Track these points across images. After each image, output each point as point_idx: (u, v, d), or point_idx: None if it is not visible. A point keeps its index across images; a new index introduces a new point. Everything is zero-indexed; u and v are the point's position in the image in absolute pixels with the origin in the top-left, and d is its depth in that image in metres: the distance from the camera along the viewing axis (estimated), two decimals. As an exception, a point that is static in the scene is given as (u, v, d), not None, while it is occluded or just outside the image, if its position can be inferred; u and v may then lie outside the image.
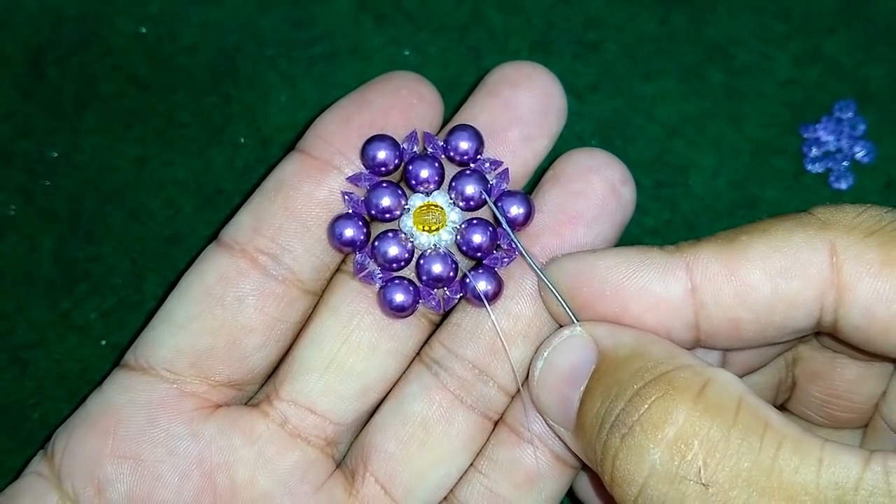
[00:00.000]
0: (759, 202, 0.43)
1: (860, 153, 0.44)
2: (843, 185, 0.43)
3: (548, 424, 0.32)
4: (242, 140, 0.43)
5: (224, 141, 0.43)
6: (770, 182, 0.43)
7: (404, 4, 0.45)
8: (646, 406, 0.27)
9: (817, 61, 0.45)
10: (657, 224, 0.43)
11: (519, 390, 0.33)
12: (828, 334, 0.30)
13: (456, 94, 0.43)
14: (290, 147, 0.34)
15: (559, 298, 0.31)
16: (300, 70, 0.44)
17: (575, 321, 0.31)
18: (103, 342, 0.41)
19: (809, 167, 0.44)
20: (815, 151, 0.44)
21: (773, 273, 0.28)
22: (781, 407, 0.37)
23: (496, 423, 0.34)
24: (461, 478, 0.34)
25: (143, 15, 0.44)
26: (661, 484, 0.26)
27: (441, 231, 0.33)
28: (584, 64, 0.45)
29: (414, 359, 0.34)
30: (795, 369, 0.35)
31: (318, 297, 0.34)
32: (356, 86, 0.44)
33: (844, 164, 0.44)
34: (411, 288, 0.33)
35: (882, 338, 0.28)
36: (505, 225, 0.32)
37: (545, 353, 0.31)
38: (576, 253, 0.32)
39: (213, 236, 0.34)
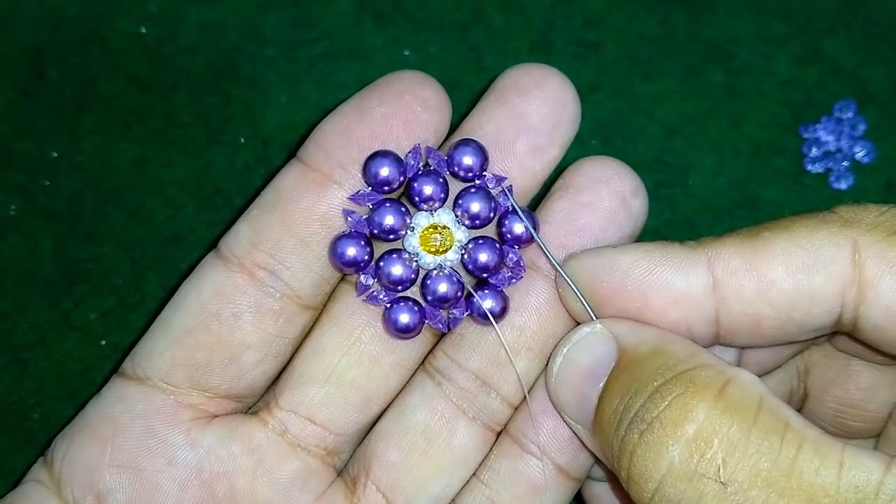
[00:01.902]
0: (759, 202, 0.43)
1: (860, 153, 0.44)
2: (843, 185, 0.43)
3: (565, 422, 0.31)
4: (242, 140, 0.43)
5: (224, 141, 0.43)
6: (770, 182, 0.43)
7: (404, 4, 0.45)
8: (666, 403, 0.26)
9: (817, 61, 0.45)
10: (657, 224, 0.43)
11: (524, 401, 0.33)
12: (846, 334, 0.30)
13: (456, 94, 0.43)
14: (290, 147, 0.33)
15: (578, 295, 0.31)
16: (300, 70, 0.44)
17: (594, 318, 0.30)
18: (103, 342, 0.41)
19: (809, 167, 0.44)
20: (815, 151, 0.44)
21: (795, 269, 0.28)
22: None
23: (499, 434, 0.34)
24: (463, 488, 0.33)
25: (143, 15, 0.44)
26: (679, 482, 0.26)
27: (447, 251, 0.32)
28: (584, 64, 0.45)
29: (417, 368, 0.34)
30: (807, 380, 0.35)
31: (319, 311, 0.33)
32: (356, 86, 0.43)
33: (844, 164, 0.44)
34: (416, 308, 0.32)
35: None
36: (530, 229, 0.32)
37: (564, 350, 0.31)
38: (595, 248, 0.31)
39: (214, 237, 0.34)
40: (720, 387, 0.26)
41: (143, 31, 0.44)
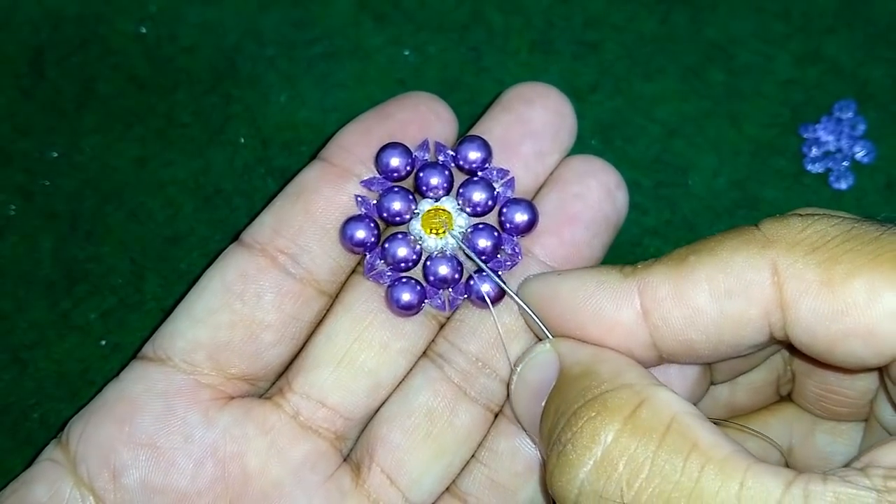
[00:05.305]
0: (759, 202, 0.43)
1: (860, 153, 0.44)
2: (843, 185, 0.43)
3: (528, 436, 0.33)
4: (242, 140, 0.43)
5: (224, 141, 0.43)
6: (770, 182, 0.43)
7: (404, 4, 0.45)
8: (578, 426, 0.27)
9: (817, 61, 0.45)
10: (657, 224, 0.43)
11: None
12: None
13: (456, 94, 0.43)
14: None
15: (532, 314, 0.32)
16: (300, 70, 0.44)
17: (548, 336, 0.32)
18: (103, 342, 0.41)
19: (809, 167, 0.44)
20: (815, 151, 0.44)
21: (718, 295, 0.28)
22: (787, 398, 0.37)
23: (496, 415, 0.35)
24: (463, 468, 0.35)
25: (143, 15, 0.44)
26: (589, 503, 0.26)
27: (448, 234, 0.34)
28: (584, 64, 0.45)
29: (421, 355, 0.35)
30: (792, 363, 0.36)
31: (333, 298, 0.35)
32: (356, 86, 0.44)
33: (844, 164, 0.44)
34: (418, 287, 0.34)
35: (828, 353, 0.28)
36: (473, 256, 0.33)
37: (518, 368, 0.32)
38: (543, 274, 0.32)
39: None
40: (632, 409, 0.27)
41: (143, 31, 0.44)
